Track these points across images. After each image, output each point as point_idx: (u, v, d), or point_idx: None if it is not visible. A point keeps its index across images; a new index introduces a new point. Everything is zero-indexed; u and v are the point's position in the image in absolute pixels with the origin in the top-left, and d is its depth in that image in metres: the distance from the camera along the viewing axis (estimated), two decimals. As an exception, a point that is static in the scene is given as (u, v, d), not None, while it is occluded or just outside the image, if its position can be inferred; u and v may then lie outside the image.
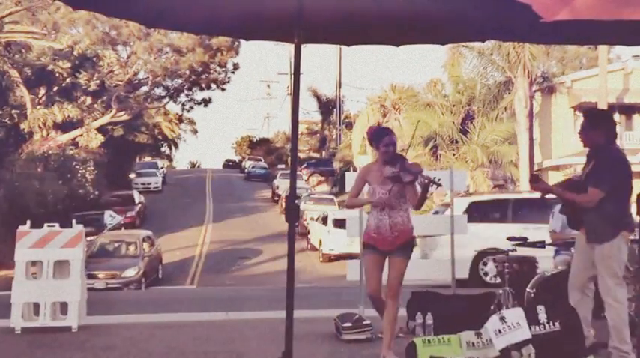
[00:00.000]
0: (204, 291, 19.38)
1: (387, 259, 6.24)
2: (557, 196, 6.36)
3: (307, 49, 42.10)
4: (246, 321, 9.66)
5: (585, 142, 6.28)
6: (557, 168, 31.73)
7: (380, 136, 6.28)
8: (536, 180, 6.40)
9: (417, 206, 6.28)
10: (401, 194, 6.16)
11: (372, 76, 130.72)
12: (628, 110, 34.16)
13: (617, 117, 34.68)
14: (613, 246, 5.98)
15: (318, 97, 62.19)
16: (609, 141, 6.15)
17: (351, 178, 9.74)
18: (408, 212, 6.25)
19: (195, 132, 77.09)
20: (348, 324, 7.63)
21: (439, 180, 6.11)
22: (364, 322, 7.65)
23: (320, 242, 28.46)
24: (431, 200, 33.44)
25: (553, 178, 30.40)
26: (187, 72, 41.62)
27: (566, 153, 30.93)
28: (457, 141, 31.62)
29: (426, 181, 5.97)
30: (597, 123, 6.24)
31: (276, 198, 45.87)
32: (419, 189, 6.10)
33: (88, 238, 15.27)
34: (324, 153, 63.11)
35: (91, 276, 16.95)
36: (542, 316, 5.91)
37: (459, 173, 10.07)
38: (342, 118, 58.31)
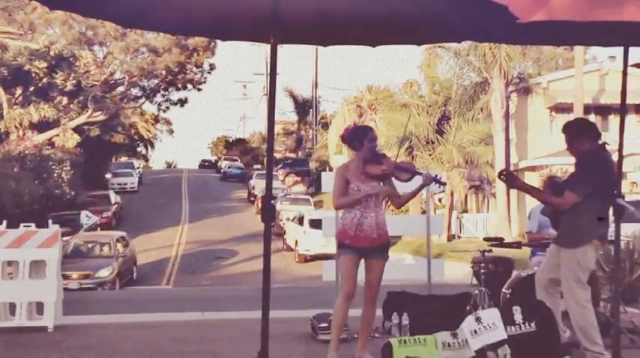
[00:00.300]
0: (180, 291, 19.30)
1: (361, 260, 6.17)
2: (527, 193, 6.39)
3: (283, 50, 42.11)
4: (223, 321, 9.64)
5: (573, 154, 6.31)
6: (533, 168, 31.89)
7: (363, 133, 6.23)
8: (507, 174, 6.38)
9: (400, 205, 6.26)
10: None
11: (348, 77, 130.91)
12: (604, 111, 34.41)
13: (593, 118, 34.98)
14: (579, 253, 6.01)
15: (294, 98, 62.26)
16: (593, 145, 6.16)
17: (327, 178, 9.73)
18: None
19: (171, 132, 77.06)
20: (324, 325, 7.60)
21: (441, 178, 6.14)
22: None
23: (296, 242, 28.44)
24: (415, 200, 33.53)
25: (529, 179, 30.57)
26: (164, 72, 41.54)
27: (542, 154, 31.11)
28: (433, 142, 31.71)
29: (429, 180, 6.01)
30: (578, 133, 6.28)
31: (252, 199, 45.87)
32: (411, 188, 6.12)
33: (64, 238, 15.18)
34: (300, 153, 63.16)
35: (64, 277, 16.73)
36: (518, 316, 5.90)
37: (435, 173, 10.08)
38: (318, 119, 58.40)
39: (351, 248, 6.07)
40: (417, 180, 6.14)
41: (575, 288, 6.00)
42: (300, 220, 28.79)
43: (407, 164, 6.26)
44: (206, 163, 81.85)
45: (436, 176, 6.12)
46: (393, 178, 6.18)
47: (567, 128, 6.40)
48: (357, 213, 6.05)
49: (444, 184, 6.12)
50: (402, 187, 6.34)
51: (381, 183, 6.13)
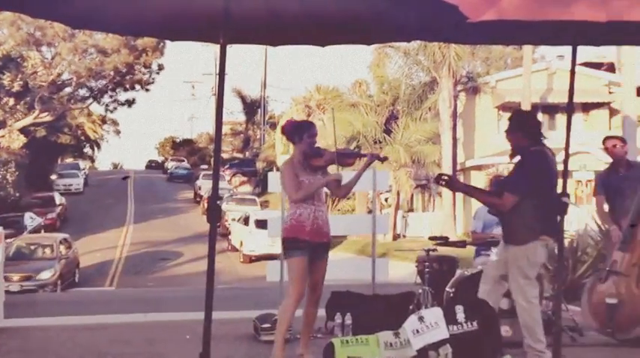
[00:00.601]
0: (123, 293, 19.18)
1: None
2: (468, 195, 6.40)
3: (232, 49, 41.80)
4: (165, 323, 9.56)
5: (510, 143, 6.31)
6: (479, 167, 32.25)
7: (306, 127, 6.22)
8: (447, 179, 6.34)
9: (346, 194, 6.25)
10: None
11: (297, 77, 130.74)
12: (551, 110, 34.88)
13: (540, 117, 35.49)
14: (529, 250, 6.00)
15: (242, 98, 62.07)
16: (532, 143, 6.15)
17: (274, 178, 9.64)
18: None
19: (118, 133, 76.30)
20: (267, 325, 7.53)
21: (383, 156, 6.16)
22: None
23: (241, 243, 28.31)
24: (353, 199, 33.72)
25: (475, 178, 30.95)
26: (112, 73, 41.08)
27: (489, 153, 31.43)
28: (381, 141, 31.85)
29: (373, 157, 6.09)
30: (521, 125, 6.25)
31: (198, 199, 45.68)
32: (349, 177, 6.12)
33: (7, 240, 14.95)
34: (247, 153, 63.01)
35: (5, 279, 16.56)
36: (460, 316, 5.90)
37: (381, 173, 10.08)
38: (266, 119, 58.28)
39: (305, 245, 5.95)
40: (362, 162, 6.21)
41: (523, 285, 6.00)
42: (246, 220, 28.68)
43: (347, 149, 6.29)
44: (153, 164, 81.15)
45: (379, 154, 6.17)
46: (339, 166, 6.14)
47: (512, 117, 6.41)
48: (312, 207, 6.00)
49: (386, 159, 6.14)
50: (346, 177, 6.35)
51: (324, 175, 6.12)
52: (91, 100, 45.51)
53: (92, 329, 8.97)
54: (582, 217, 16.45)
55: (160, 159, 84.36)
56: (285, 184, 6.15)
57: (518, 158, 6.20)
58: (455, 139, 31.20)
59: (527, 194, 5.94)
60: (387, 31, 5.71)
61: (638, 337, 7.20)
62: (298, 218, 5.99)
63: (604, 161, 29.82)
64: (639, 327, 7.18)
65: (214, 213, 5.31)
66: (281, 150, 41.40)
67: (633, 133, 15.26)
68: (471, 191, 6.69)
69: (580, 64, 29.09)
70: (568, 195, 6.08)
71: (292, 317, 6.08)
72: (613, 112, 35.24)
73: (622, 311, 7.26)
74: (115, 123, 73.09)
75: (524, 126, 6.22)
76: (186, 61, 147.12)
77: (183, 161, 67.92)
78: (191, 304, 9.93)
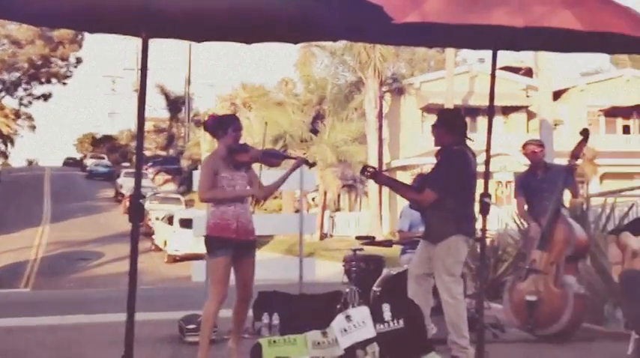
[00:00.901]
0: (39, 294, 18.62)
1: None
2: (391, 188, 6.47)
3: (155, 44, 41.37)
4: (85, 325, 9.37)
5: (435, 140, 6.41)
6: (404, 168, 32.65)
7: (230, 121, 6.14)
8: (372, 171, 6.41)
9: (266, 196, 6.21)
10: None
11: (223, 74, 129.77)
12: (473, 112, 35.57)
13: (462, 119, 36.15)
14: (450, 246, 6.11)
15: (166, 94, 61.27)
16: (455, 141, 6.26)
17: (199, 177, 9.56)
18: None
19: (33, 128, 73.98)
20: (192, 326, 7.44)
21: (310, 160, 6.11)
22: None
23: (165, 242, 27.97)
24: (280, 198, 33.71)
25: (401, 178, 31.15)
26: (26, 65, 39.99)
27: (414, 154, 31.87)
28: (307, 141, 31.92)
29: (300, 162, 6.02)
30: (446, 122, 6.38)
31: (119, 198, 44.87)
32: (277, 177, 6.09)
33: None
34: (171, 151, 62.26)
35: None
36: (387, 314, 5.95)
37: (308, 172, 10.10)
38: (191, 116, 57.71)
39: (230, 244, 5.85)
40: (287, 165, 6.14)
41: (448, 282, 6.10)
42: (170, 219, 28.36)
43: (273, 150, 6.23)
44: (71, 161, 79.15)
45: (306, 159, 6.09)
46: (264, 165, 6.11)
47: (440, 114, 6.54)
48: (236, 205, 5.91)
49: (314, 165, 6.11)
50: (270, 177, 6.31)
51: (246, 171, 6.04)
52: (3, 94, 44.19)
53: (7, 332, 8.74)
54: (503, 217, 16.83)
55: (78, 156, 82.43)
56: (200, 180, 6.03)
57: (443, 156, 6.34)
58: (381, 139, 31.52)
59: (446, 191, 6.06)
60: (312, 30, 5.70)
61: (556, 333, 7.43)
62: (222, 216, 5.88)
63: (523, 163, 30.67)
64: (558, 323, 7.40)
65: (136, 212, 5.21)
66: (206, 148, 41.05)
67: (550, 136, 15.66)
68: (394, 185, 6.77)
69: (500, 68, 29.83)
70: (489, 196, 6.19)
71: (215, 318, 6.02)
72: (531, 115, 36.34)
73: (541, 308, 7.47)
74: (30, 118, 70.96)
75: (449, 124, 6.36)
76: (108, 55, 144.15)
77: (104, 158, 66.56)
78: (113, 305, 9.79)
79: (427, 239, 6.29)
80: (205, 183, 5.95)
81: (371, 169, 6.39)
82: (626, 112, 38.37)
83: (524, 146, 8.23)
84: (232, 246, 5.86)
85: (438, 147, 6.43)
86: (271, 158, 6.11)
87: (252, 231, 6.03)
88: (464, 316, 6.15)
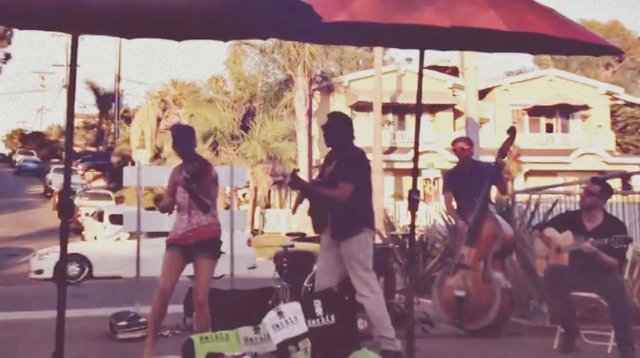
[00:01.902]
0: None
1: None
2: (314, 193, 6.41)
3: (85, 40, 40.64)
4: (15, 322, 9.22)
5: (328, 142, 6.47)
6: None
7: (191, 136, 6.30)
8: (292, 178, 6.48)
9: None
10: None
11: (153, 71, 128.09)
12: (401, 110, 36.15)
13: (391, 117, 36.61)
14: (361, 241, 6.19)
15: (95, 90, 60.32)
16: (348, 140, 6.39)
17: (129, 173, 9.51)
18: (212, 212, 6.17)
19: (-41, 123, 72.18)
20: (123, 323, 7.42)
21: (186, 176, 6.04)
22: (140, 320, 7.47)
23: (95, 238, 27.54)
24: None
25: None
26: (-46, 61, 38.84)
27: (343, 151, 32.04)
28: (238, 138, 31.85)
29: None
30: (340, 124, 6.45)
31: (49, 194, 43.95)
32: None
33: None
34: (101, 147, 61.33)
35: None
36: (318, 310, 6.00)
37: (239, 169, 10.13)
38: (120, 112, 56.94)
39: (176, 245, 6.07)
40: None
41: (367, 278, 6.16)
42: (100, 216, 27.92)
43: (192, 169, 6.17)
44: (-1, 157, 77.44)
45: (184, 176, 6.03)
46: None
47: (333, 116, 6.60)
48: (187, 217, 6.07)
49: (188, 181, 6.08)
50: None
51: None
52: None
53: None
54: (431, 213, 17.07)
55: (7, 152, 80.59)
56: None
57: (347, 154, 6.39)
58: (310, 137, 31.60)
59: (356, 186, 6.14)
60: (242, 28, 5.71)
61: (484, 327, 7.58)
62: (175, 226, 6.17)
63: (450, 160, 31.26)
64: (486, 318, 7.55)
65: (66, 208, 5.17)
66: (137, 144, 40.61)
67: (476, 134, 15.94)
68: (308, 188, 6.70)
69: (427, 67, 30.31)
70: (418, 192, 6.31)
71: (158, 309, 6.06)
72: (457, 114, 37.07)
73: (469, 303, 7.62)
74: (-45, 113, 69.32)
75: (343, 126, 6.41)
76: (36, 51, 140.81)
77: (33, 154, 65.14)
78: (43, 302, 9.61)
79: (335, 237, 6.26)
80: (165, 192, 6.47)
81: (291, 175, 6.48)
82: (549, 111, 39.51)
83: (454, 143, 8.34)
84: (178, 248, 6.06)
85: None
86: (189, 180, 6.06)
87: (191, 237, 6.06)
88: (385, 309, 6.23)
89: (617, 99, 41.63)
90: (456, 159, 8.49)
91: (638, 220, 9.65)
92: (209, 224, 6.11)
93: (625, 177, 28.10)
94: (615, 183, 20.82)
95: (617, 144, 40.09)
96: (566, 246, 6.70)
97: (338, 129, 6.40)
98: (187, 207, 6.06)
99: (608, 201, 7.13)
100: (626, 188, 19.83)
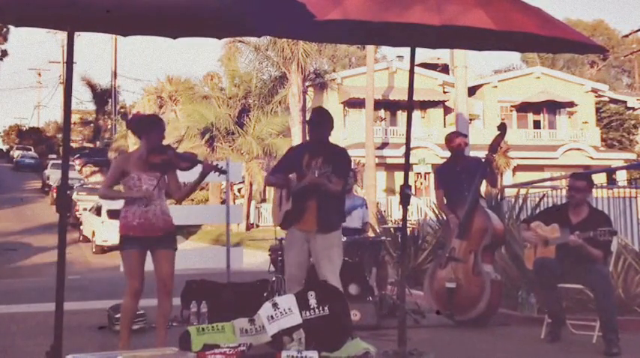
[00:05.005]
0: (-38, 286, 18.12)
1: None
2: (312, 186, 6.52)
3: (81, 37, 40.58)
4: (14, 314, 9.29)
5: (317, 136, 6.67)
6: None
7: (152, 122, 6.10)
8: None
9: (182, 197, 6.21)
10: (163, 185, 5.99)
11: (149, 67, 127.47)
12: (392, 106, 36.29)
13: (382, 113, 36.79)
14: (339, 235, 6.63)
15: (92, 87, 60.11)
16: (328, 137, 6.68)
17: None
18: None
19: (-44, 120, 72.06)
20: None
21: (222, 167, 6.07)
22: (138, 312, 7.53)
23: (93, 233, 27.63)
24: (206, 189, 33.62)
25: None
26: (-50, 58, 38.69)
27: (336, 146, 32.15)
28: (233, 134, 31.92)
29: (209, 168, 5.93)
30: (325, 120, 6.68)
31: (47, 189, 43.93)
32: (194, 178, 6.05)
33: None
34: (98, 143, 61.25)
35: None
36: (312, 301, 6.08)
37: (234, 164, 10.26)
38: (117, 109, 56.87)
39: (134, 241, 5.86)
40: (198, 170, 6.03)
41: (338, 268, 6.53)
42: (98, 210, 27.98)
43: (189, 153, 6.23)
44: (-4, 152, 77.19)
45: (217, 164, 6.06)
46: (176, 169, 6.07)
47: (319, 112, 6.86)
48: (142, 203, 5.84)
49: (225, 172, 6.13)
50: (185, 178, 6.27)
51: (163, 173, 5.96)
52: None
53: None
54: (422, 207, 17.18)
55: (4, 147, 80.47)
56: (106, 175, 6.11)
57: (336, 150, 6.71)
58: (304, 132, 31.63)
59: (345, 180, 6.57)
60: (236, 26, 5.76)
61: (474, 318, 7.74)
62: (126, 214, 5.90)
63: (440, 155, 31.40)
64: (475, 309, 7.70)
65: (64, 203, 5.26)
66: (133, 141, 40.56)
67: (466, 130, 16.05)
68: (319, 183, 6.74)
69: (418, 65, 30.48)
70: (410, 187, 6.45)
71: (132, 309, 6.03)
72: (447, 110, 37.32)
73: (460, 294, 7.77)
74: (-47, 109, 69.14)
75: (328, 122, 6.69)
76: (33, 47, 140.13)
77: (30, 149, 64.98)
78: (42, 295, 9.71)
79: (322, 230, 6.46)
80: (106, 181, 6.09)
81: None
82: (536, 108, 39.83)
83: (454, 139, 8.37)
84: (138, 242, 5.86)
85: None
86: (183, 162, 6.02)
87: (160, 228, 5.91)
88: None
89: (602, 96, 41.89)
90: (447, 154, 8.58)
91: (623, 213, 9.79)
92: (169, 213, 6.05)
93: (610, 171, 28.49)
94: (600, 178, 20.99)
95: (602, 139, 40.27)
96: (553, 239, 6.84)
97: (329, 124, 6.67)
98: (155, 193, 5.89)
99: (594, 195, 7.28)
100: (612, 183, 20.06)
